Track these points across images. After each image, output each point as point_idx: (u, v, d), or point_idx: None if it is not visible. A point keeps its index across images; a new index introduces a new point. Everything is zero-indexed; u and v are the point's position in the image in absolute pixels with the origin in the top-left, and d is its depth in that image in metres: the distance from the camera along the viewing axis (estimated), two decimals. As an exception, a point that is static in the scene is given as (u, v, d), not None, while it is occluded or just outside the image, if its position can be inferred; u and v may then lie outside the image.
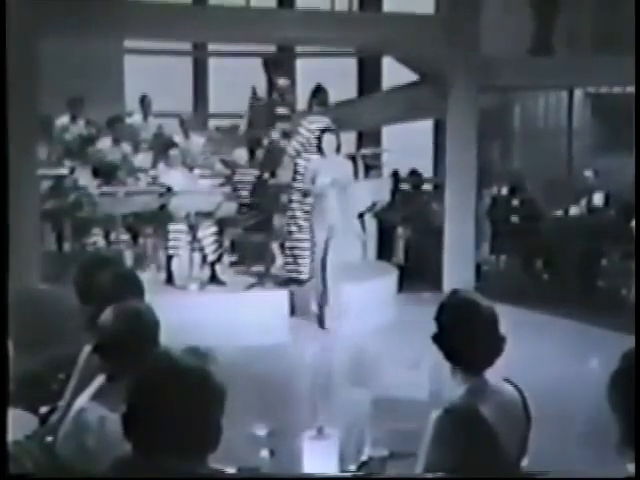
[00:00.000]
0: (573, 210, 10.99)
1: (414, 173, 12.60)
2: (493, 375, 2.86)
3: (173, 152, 9.41)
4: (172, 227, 9.03)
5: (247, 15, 10.37)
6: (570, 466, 4.41)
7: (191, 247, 9.20)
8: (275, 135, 9.57)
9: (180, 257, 9.16)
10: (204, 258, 9.23)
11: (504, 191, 11.83)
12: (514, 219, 11.32)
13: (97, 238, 9.26)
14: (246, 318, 8.05)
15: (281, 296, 8.76)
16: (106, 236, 9.32)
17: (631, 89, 10.28)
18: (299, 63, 13.82)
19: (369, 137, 13.52)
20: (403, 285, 9.87)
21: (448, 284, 9.26)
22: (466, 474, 2.63)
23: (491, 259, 11.38)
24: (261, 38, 10.08)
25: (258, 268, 9.52)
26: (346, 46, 12.13)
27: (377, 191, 10.28)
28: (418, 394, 6.58)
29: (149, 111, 10.90)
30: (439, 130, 12.73)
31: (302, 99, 9.98)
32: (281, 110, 9.85)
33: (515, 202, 11.46)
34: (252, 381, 6.29)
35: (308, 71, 12.95)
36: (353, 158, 9.93)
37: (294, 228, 8.95)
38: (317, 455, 3.20)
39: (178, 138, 9.91)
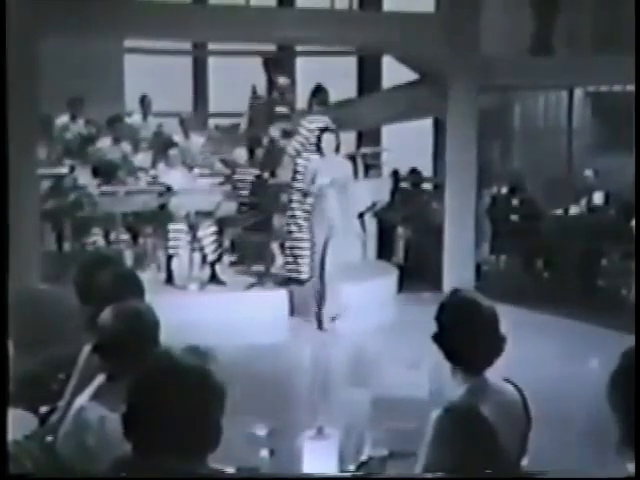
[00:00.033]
0: (573, 210, 10.97)
1: (414, 172, 12.57)
2: (493, 375, 2.86)
3: (173, 151, 9.42)
4: (172, 227, 9.04)
5: (247, 14, 10.35)
6: (570, 466, 4.41)
7: (191, 247, 9.21)
8: (275, 133, 9.57)
9: (180, 257, 9.17)
10: (204, 258, 9.24)
11: (504, 191, 11.82)
12: (514, 219, 11.30)
13: (97, 238, 9.26)
14: (246, 318, 8.06)
15: (281, 296, 8.77)
16: (106, 236, 9.32)
17: (631, 87, 10.27)
18: (299, 62, 13.80)
19: (369, 136, 13.49)
20: (403, 285, 9.87)
21: (448, 284, 9.25)
22: (466, 474, 2.63)
23: (491, 259, 11.35)
24: (261, 37, 10.06)
25: (258, 268, 9.53)
26: (346, 45, 12.10)
27: (377, 191, 10.29)
28: (418, 394, 6.56)
29: (149, 110, 10.89)
30: (439, 130, 12.72)
31: (302, 98, 9.97)
32: (281, 109, 9.86)
33: (515, 202, 11.44)
34: (252, 381, 6.28)
35: (308, 70, 12.93)
36: (353, 157, 9.93)
37: (294, 228, 8.94)
38: (317, 455, 3.19)
39: (178, 137, 9.92)
